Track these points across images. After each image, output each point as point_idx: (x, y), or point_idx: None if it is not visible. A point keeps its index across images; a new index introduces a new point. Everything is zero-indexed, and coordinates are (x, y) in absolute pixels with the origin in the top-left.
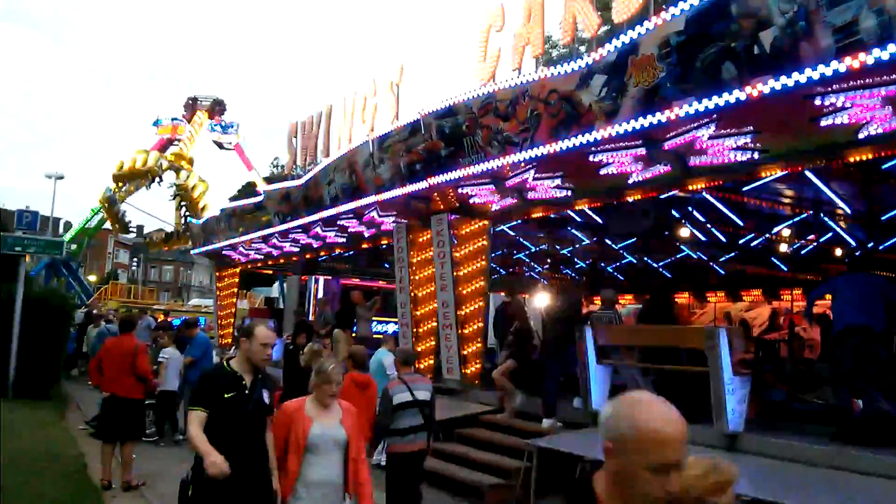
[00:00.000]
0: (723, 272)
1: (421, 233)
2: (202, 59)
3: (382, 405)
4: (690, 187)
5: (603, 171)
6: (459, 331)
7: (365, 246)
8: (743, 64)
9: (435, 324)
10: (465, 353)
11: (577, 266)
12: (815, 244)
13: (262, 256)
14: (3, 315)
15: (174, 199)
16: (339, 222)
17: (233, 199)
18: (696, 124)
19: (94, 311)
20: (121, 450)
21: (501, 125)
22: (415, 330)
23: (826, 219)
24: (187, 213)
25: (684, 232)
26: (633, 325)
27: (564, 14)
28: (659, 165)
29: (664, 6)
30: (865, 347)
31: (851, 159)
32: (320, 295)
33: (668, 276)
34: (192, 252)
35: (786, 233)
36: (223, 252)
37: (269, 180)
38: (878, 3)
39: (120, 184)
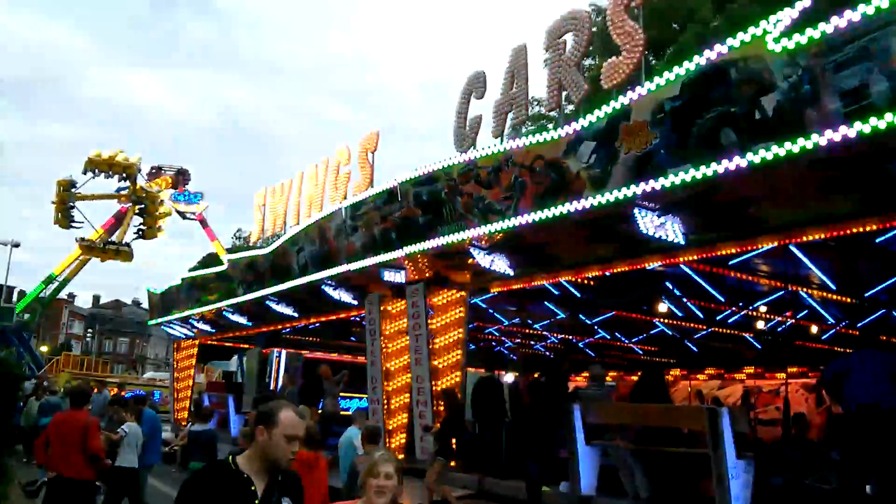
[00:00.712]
0: (695, 349)
1: (393, 302)
2: (166, 129)
3: (350, 482)
4: (681, 259)
5: (592, 242)
6: (435, 407)
7: (333, 318)
8: (743, 130)
9: (407, 398)
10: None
11: (548, 341)
12: (790, 321)
13: (224, 328)
14: None
15: (133, 204)
16: (306, 292)
17: (193, 269)
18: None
19: (45, 383)
20: None
21: (483, 192)
22: (386, 405)
23: (805, 295)
24: (141, 227)
25: (662, 307)
26: (626, 404)
27: (549, 80)
28: (652, 234)
29: (654, 73)
30: (877, 427)
31: (854, 230)
32: (282, 369)
33: (639, 352)
34: (148, 323)
35: (763, 308)
36: (179, 324)
37: (231, 252)
38: (890, 66)
39: (89, 172)
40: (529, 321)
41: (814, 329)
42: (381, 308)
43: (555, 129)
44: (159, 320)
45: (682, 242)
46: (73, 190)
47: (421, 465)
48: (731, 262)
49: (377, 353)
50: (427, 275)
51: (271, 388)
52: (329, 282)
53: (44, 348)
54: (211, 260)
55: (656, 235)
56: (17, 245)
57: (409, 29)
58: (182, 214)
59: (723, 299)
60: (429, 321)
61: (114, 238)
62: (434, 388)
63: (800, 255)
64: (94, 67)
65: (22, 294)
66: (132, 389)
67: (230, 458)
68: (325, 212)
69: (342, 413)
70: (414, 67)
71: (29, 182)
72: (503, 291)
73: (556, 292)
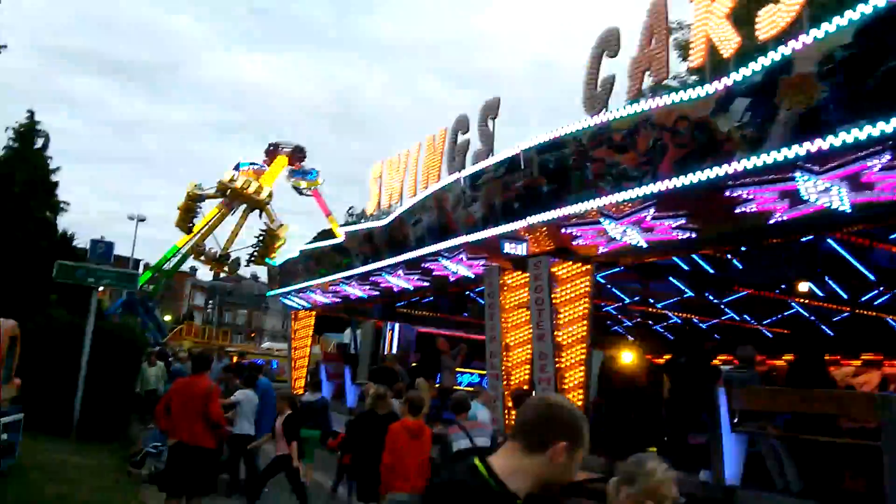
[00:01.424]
0: (831, 333)
1: (513, 274)
2: (285, 110)
3: (441, 452)
4: (845, 230)
5: (739, 210)
6: (558, 384)
7: (451, 291)
8: None
9: (528, 373)
10: None
11: (669, 321)
12: None
13: (340, 300)
14: (71, 350)
15: (258, 238)
16: (423, 265)
17: (309, 243)
18: (865, 153)
19: (162, 350)
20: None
21: (617, 158)
22: (505, 381)
23: None
24: (254, 254)
25: (803, 286)
26: (781, 388)
27: (694, 33)
28: (814, 201)
29: (819, 20)
30: None
31: None
32: (395, 342)
33: (769, 335)
34: (267, 294)
35: None
36: (300, 294)
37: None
38: None
39: (218, 192)
40: (651, 300)
41: None
42: (501, 281)
43: (701, 86)
44: (277, 291)
45: (848, 210)
46: (198, 205)
47: None
48: (893, 236)
49: (497, 327)
50: (549, 247)
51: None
52: (446, 254)
53: (167, 317)
54: (326, 235)
55: (819, 202)
56: (142, 219)
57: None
58: (299, 190)
59: (872, 278)
60: (551, 294)
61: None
62: (557, 363)
63: None
64: (213, 52)
65: (147, 267)
66: (251, 358)
67: (479, 463)
68: (443, 182)
69: (463, 388)
70: (528, 45)
71: (154, 160)
72: (629, 266)
73: (685, 267)
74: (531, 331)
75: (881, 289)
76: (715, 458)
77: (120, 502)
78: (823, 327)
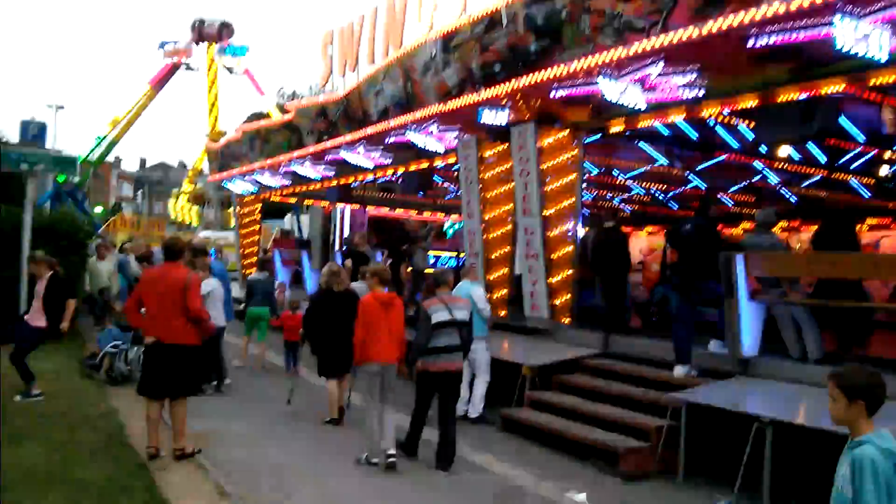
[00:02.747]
0: (795, 199)
1: (492, 147)
2: None
3: (419, 324)
4: (873, 81)
5: (760, 62)
6: (547, 258)
7: (413, 167)
8: None
9: (508, 250)
10: (552, 283)
11: (631, 193)
12: None
13: (290, 182)
14: (8, 245)
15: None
16: (387, 140)
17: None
18: None
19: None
20: (170, 409)
21: (620, 7)
22: (486, 258)
23: None
24: None
25: (784, 150)
26: (807, 253)
27: None
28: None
29: None
30: None
31: None
32: (346, 226)
33: (729, 203)
34: (208, 180)
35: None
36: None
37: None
38: None
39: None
40: (616, 171)
41: None
42: (479, 153)
43: None
44: (221, 176)
45: (884, 60)
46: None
47: (530, 325)
48: None
49: (475, 204)
50: (532, 115)
51: (337, 247)
52: (413, 126)
53: (98, 209)
54: (260, 118)
55: (853, 52)
56: (61, 108)
57: None
58: (228, 69)
59: (863, 138)
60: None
61: None
62: (546, 236)
63: None
64: None
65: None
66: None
67: None
68: (409, 46)
69: (428, 271)
70: None
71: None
72: (621, 133)
73: (666, 133)
74: (511, 207)
75: (861, 149)
76: (730, 329)
77: (88, 406)
78: (785, 192)
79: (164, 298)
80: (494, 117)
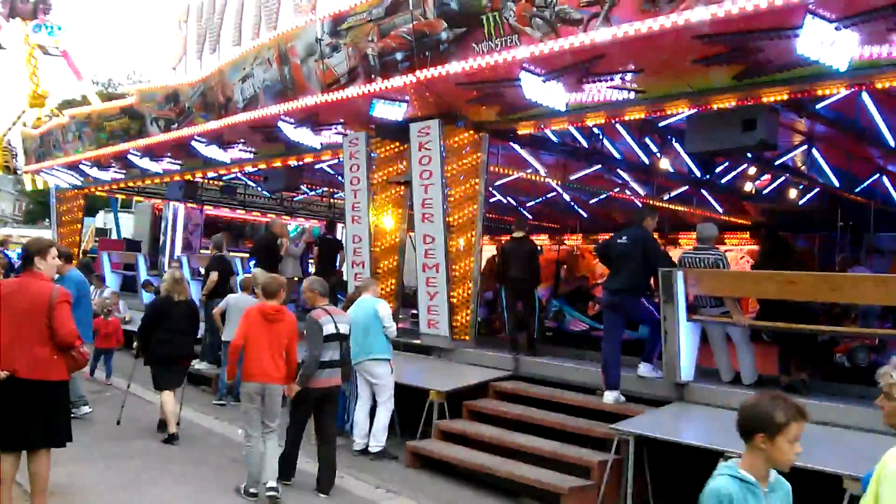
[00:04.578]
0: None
1: (382, 145)
2: None
3: (312, 336)
4: (835, 88)
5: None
6: (449, 273)
7: (278, 164)
8: None
9: (396, 261)
10: (453, 298)
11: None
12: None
13: (123, 175)
14: None
15: None
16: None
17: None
18: None
19: None
20: (29, 466)
21: None
22: (373, 269)
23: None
24: None
25: (664, 163)
26: (760, 272)
27: None
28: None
29: None
30: None
31: None
32: (179, 226)
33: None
34: (20, 169)
35: (751, 171)
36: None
37: (105, 98)
38: None
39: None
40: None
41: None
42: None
43: None
44: (40, 166)
45: (843, 69)
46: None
47: (425, 343)
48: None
49: (364, 207)
50: (429, 112)
51: (167, 247)
52: (288, 119)
53: None
54: (76, 104)
55: (814, 58)
56: None
57: None
58: (44, 49)
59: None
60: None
61: None
62: (450, 247)
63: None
64: None
65: None
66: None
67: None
68: (286, 27)
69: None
70: None
71: None
72: (521, 135)
73: (555, 140)
74: (402, 213)
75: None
76: (668, 351)
77: None
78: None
79: (24, 319)
80: (389, 112)
